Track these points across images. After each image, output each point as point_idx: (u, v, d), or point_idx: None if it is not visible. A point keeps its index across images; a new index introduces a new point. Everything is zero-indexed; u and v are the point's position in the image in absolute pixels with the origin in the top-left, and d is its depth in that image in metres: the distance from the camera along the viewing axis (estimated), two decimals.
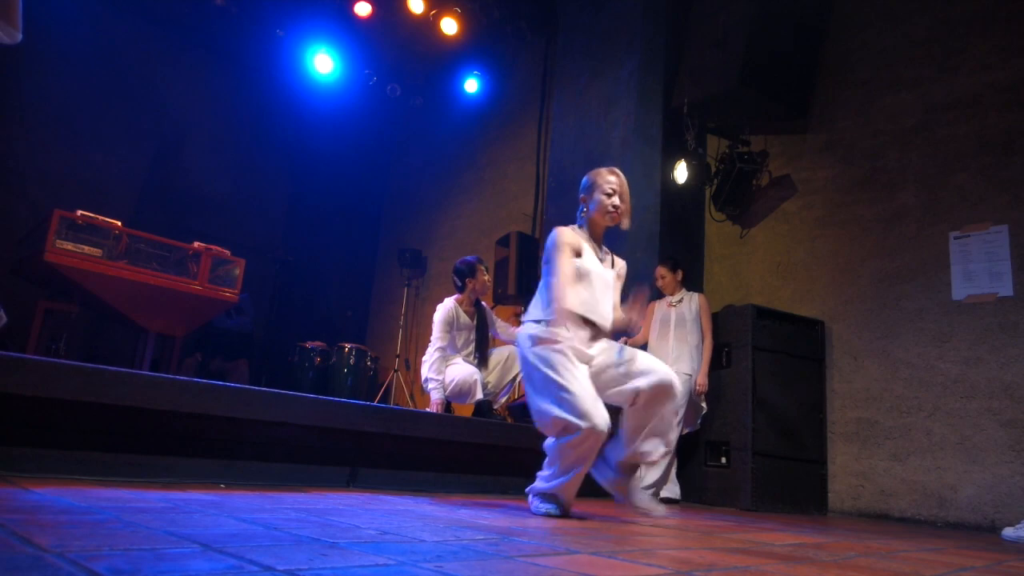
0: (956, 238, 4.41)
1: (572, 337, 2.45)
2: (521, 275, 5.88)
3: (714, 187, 5.62)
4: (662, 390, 2.47)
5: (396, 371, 7.15)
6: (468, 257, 4.51)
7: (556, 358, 2.38)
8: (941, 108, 4.64)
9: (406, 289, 7.67)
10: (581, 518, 2.43)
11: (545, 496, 2.45)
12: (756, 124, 5.53)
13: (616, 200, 2.64)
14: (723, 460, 4.40)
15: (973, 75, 4.53)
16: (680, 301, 4.50)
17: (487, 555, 1.37)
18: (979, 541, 3.04)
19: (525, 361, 2.49)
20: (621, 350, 2.58)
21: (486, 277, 4.45)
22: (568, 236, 2.60)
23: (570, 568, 1.27)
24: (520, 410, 4.51)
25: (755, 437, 4.25)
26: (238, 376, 6.19)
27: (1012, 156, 4.28)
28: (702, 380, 4.28)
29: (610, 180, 2.66)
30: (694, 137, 5.37)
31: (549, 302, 2.52)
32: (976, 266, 4.28)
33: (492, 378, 4.37)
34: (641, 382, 2.47)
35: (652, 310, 4.56)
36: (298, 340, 6.74)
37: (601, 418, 2.29)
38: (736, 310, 4.57)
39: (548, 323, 2.47)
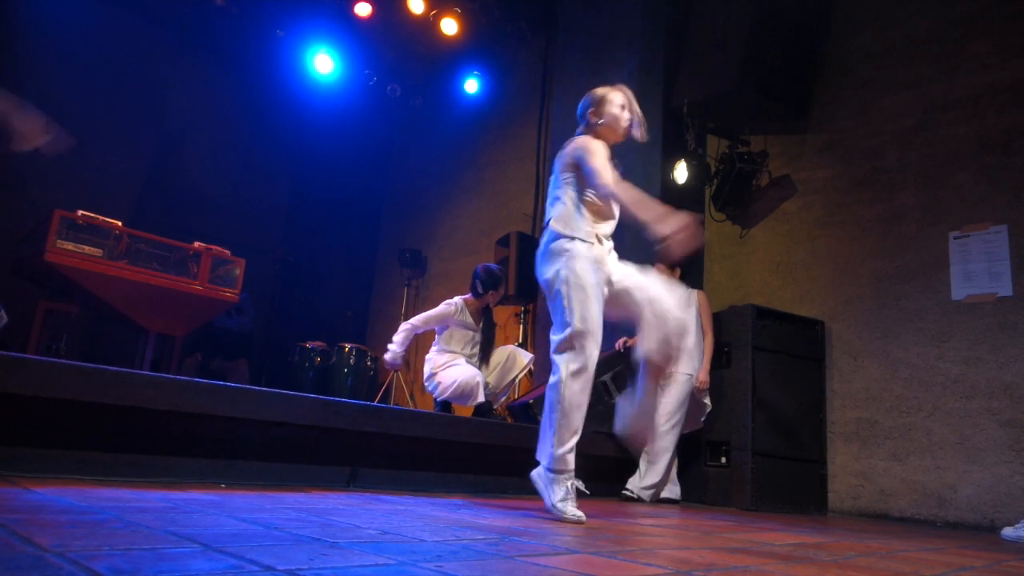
0: (956, 238, 4.41)
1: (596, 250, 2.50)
2: (521, 275, 5.87)
3: (714, 187, 5.62)
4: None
5: (396, 371, 7.14)
6: (491, 266, 4.53)
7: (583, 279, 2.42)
8: (941, 108, 4.64)
9: (406, 289, 7.67)
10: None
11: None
12: (756, 124, 5.53)
13: (627, 115, 2.62)
14: (723, 460, 4.40)
15: (973, 75, 4.53)
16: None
17: (487, 555, 1.37)
18: (979, 541, 3.05)
19: (558, 279, 2.44)
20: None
21: (503, 288, 4.54)
22: (600, 146, 2.53)
23: (570, 568, 1.27)
24: (520, 410, 4.51)
25: (755, 437, 4.25)
26: (238, 376, 6.19)
27: (1012, 156, 4.28)
28: (703, 377, 4.20)
29: (618, 96, 2.63)
30: (694, 137, 5.37)
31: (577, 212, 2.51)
32: (976, 266, 4.28)
33: (492, 379, 4.38)
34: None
35: None
36: (298, 340, 6.74)
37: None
38: (736, 310, 4.56)
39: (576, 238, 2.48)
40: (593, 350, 2.41)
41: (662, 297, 2.52)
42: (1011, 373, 4.03)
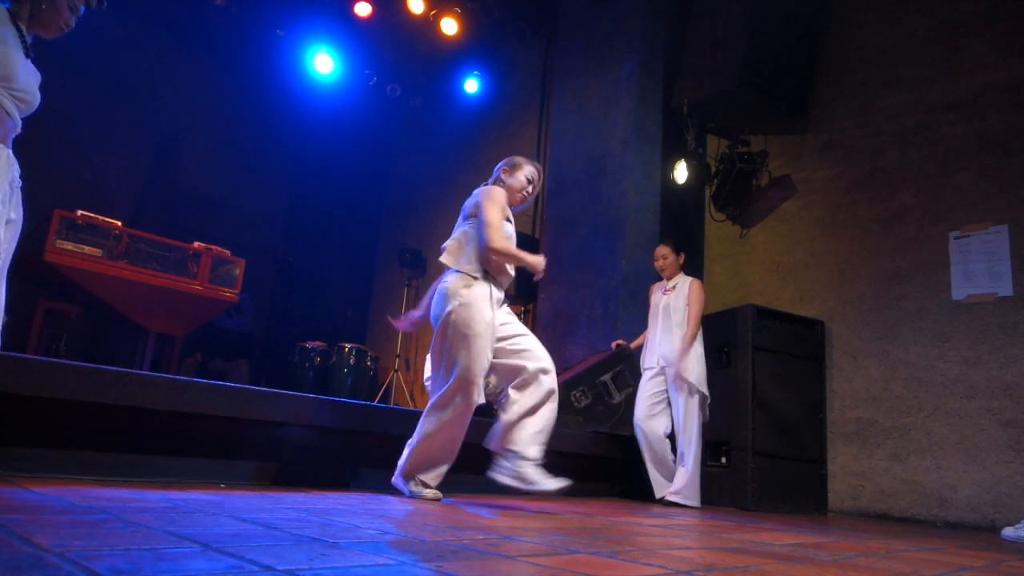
0: (956, 238, 4.41)
1: (488, 299, 2.68)
2: (521, 275, 5.85)
3: (714, 187, 5.62)
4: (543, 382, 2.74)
5: (396, 371, 7.15)
6: None
7: (478, 327, 2.62)
8: (941, 108, 4.64)
9: (406, 289, 7.67)
10: (581, 518, 2.43)
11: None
12: (756, 124, 5.54)
13: (531, 189, 2.93)
14: (723, 460, 4.40)
15: (973, 75, 4.53)
16: (674, 287, 4.19)
17: (487, 555, 1.37)
18: (979, 541, 3.05)
19: (447, 316, 2.64)
20: (516, 329, 2.86)
21: None
22: (504, 197, 2.81)
23: (570, 568, 1.27)
24: None
25: (755, 437, 4.25)
26: (238, 376, 6.19)
27: (1012, 156, 4.28)
28: (681, 364, 3.89)
29: (532, 171, 2.93)
30: (694, 137, 5.36)
31: (478, 253, 2.71)
32: (976, 266, 4.28)
33: (492, 379, 4.35)
34: (529, 363, 2.76)
35: (650, 299, 4.34)
36: (298, 340, 6.74)
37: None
38: (736, 310, 4.56)
39: (473, 279, 2.67)
40: None
41: None
42: (1011, 373, 4.03)
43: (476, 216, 2.77)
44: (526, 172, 2.92)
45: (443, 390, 2.68)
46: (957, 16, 4.67)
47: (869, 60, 5.08)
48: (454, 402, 2.67)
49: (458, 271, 2.71)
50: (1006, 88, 4.37)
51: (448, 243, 2.82)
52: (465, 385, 2.66)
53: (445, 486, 3.25)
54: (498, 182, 2.93)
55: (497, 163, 3.03)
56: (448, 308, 2.64)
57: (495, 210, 2.73)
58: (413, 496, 2.63)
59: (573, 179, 5.64)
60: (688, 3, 5.58)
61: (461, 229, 2.82)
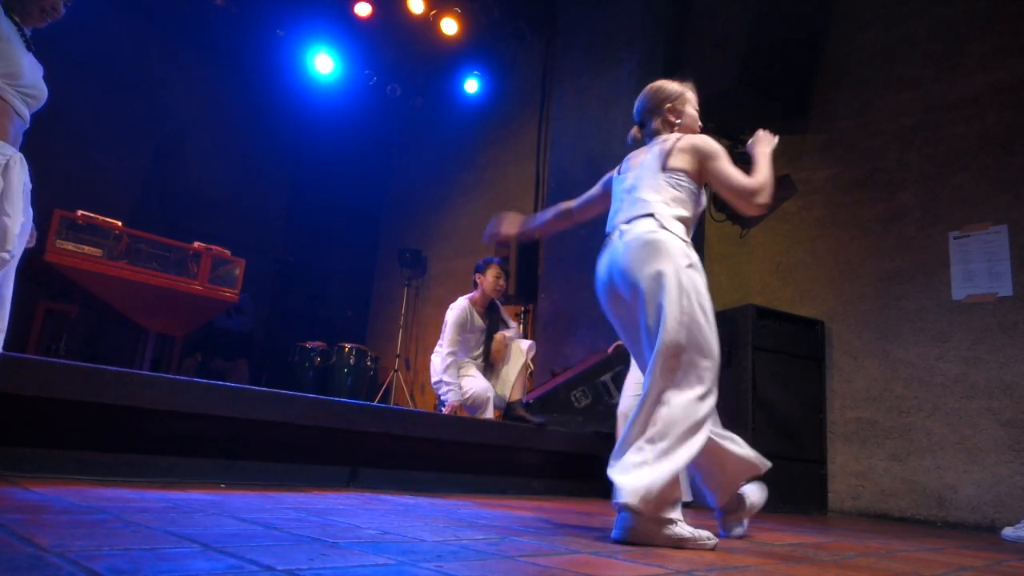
0: (956, 238, 4.41)
1: None
2: (521, 275, 5.87)
3: None
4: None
5: (396, 371, 7.15)
6: (490, 257, 4.52)
7: (707, 295, 1.99)
8: (941, 108, 4.64)
9: (406, 289, 7.67)
10: (581, 517, 2.43)
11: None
12: (756, 124, 5.49)
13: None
14: None
15: (973, 75, 4.53)
16: None
17: (487, 555, 1.37)
18: (979, 541, 3.05)
19: (682, 285, 1.93)
20: None
21: (494, 277, 4.38)
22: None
23: (570, 568, 1.27)
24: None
25: (755, 437, 4.24)
26: (238, 376, 6.19)
27: (1012, 156, 4.28)
28: None
29: (692, 96, 2.34)
30: None
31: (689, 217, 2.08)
32: (976, 266, 4.28)
33: (499, 385, 4.30)
34: None
35: None
36: (298, 340, 6.74)
37: None
38: (736, 310, 4.56)
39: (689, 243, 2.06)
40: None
41: None
42: (1011, 373, 4.03)
43: (683, 171, 2.11)
44: (693, 103, 2.30)
45: (698, 382, 1.88)
46: (957, 16, 4.67)
47: (869, 60, 5.07)
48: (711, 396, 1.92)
49: (662, 225, 2.03)
50: (1006, 88, 4.37)
51: (643, 194, 2.12)
52: (715, 374, 1.93)
53: (447, 486, 3.25)
54: (667, 125, 2.31)
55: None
56: (676, 267, 1.93)
57: (730, 163, 2.12)
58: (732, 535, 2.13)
59: (573, 179, 5.63)
60: (688, 3, 5.57)
61: (661, 182, 2.12)
